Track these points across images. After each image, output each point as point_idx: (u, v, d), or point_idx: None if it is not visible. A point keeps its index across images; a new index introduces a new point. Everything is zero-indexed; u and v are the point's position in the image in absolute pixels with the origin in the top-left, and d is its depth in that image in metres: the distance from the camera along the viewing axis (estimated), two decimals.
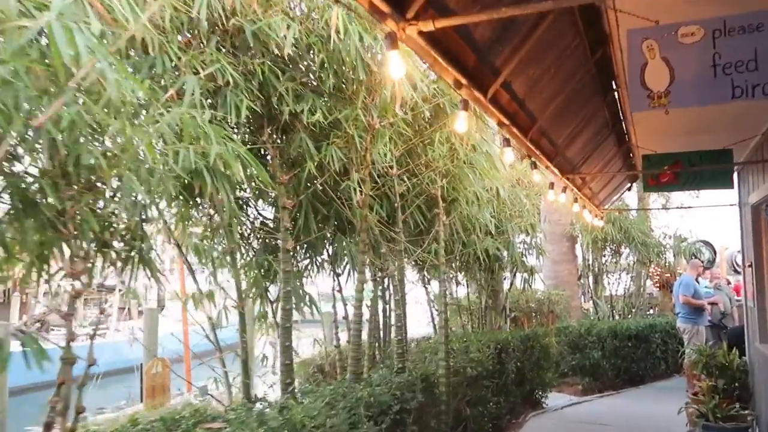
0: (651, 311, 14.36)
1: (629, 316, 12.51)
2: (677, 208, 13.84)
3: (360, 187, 4.28)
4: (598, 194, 7.71)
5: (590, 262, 13.68)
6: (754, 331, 6.59)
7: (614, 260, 12.26)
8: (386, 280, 5.56)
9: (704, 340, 9.01)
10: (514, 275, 8.95)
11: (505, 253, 8.05)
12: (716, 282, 11.44)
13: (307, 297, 4.76)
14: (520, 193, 8.09)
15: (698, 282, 9.47)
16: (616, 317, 12.36)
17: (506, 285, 9.07)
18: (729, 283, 16.29)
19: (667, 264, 12.52)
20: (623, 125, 5.20)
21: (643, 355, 9.98)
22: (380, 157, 4.42)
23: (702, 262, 15.65)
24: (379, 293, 5.60)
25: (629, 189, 9.21)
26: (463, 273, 8.10)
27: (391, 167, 4.85)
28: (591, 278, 14.83)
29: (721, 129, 5.27)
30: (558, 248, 11.93)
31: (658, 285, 13.43)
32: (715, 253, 17.11)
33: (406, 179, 5.02)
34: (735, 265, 19.58)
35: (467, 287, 8.82)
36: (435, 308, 8.58)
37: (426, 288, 8.34)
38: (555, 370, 9.31)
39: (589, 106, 4.67)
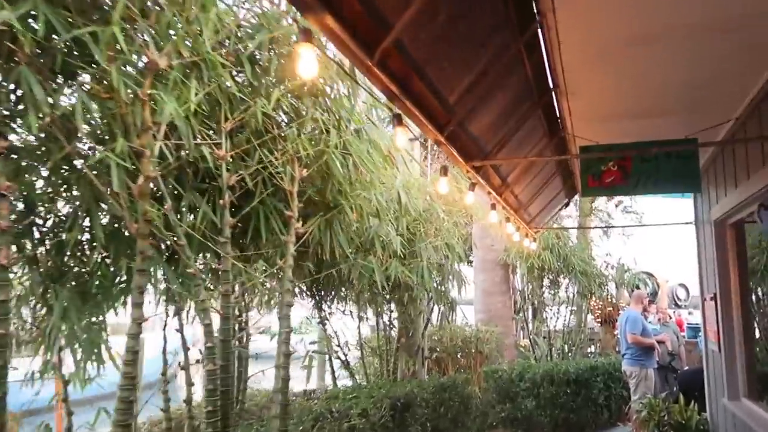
0: (591, 349, 13.09)
1: (569, 354, 11.13)
2: (621, 227, 12.67)
3: (134, 163, 2.62)
4: (528, 208, 6.27)
5: (527, 293, 12.35)
6: (719, 383, 5.21)
7: (552, 292, 10.90)
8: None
9: (653, 385, 7.65)
10: (431, 309, 7.39)
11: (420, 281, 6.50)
12: (662, 317, 10.25)
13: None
14: (437, 206, 6.57)
15: (645, 317, 8.15)
16: (555, 356, 10.94)
17: (423, 321, 7.48)
18: (670, 318, 15.35)
19: (609, 297, 11.26)
20: (554, 101, 3.74)
21: (584, 403, 8.52)
22: (180, 117, 2.77)
23: (647, 294, 14.63)
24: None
25: (566, 205, 7.90)
26: (360, 304, 6.47)
27: (216, 143, 3.20)
28: (530, 312, 13.47)
29: (682, 111, 3.90)
30: (490, 277, 10.49)
31: (599, 320, 12.17)
32: (657, 285, 16.21)
33: (241, 164, 3.38)
34: (676, 299, 18.74)
35: (376, 323, 7.20)
36: (340, 352, 6.91)
37: (324, 324, 6.67)
38: (481, 425, 7.71)
39: (503, 63, 3.18)
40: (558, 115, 4.13)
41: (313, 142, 3.71)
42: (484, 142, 3.72)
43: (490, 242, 10.51)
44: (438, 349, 8.59)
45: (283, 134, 3.47)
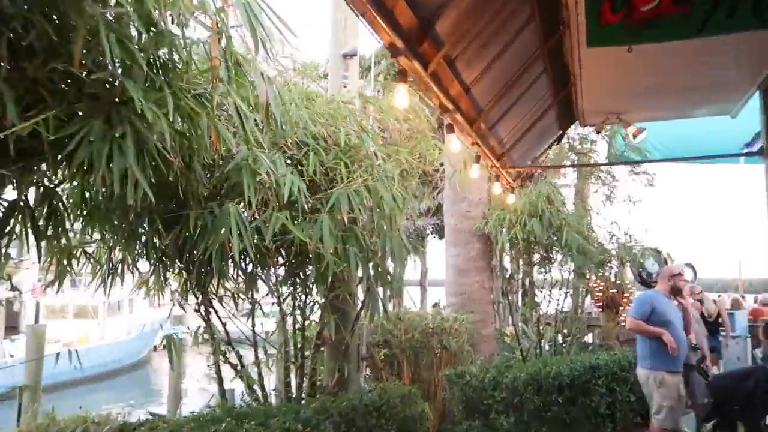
0: (590, 338, 11.07)
1: (563, 346, 9.09)
2: (633, 163, 9.98)
3: None
4: (504, 143, 4.15)
5: (514, 272, 10.28)
6: None
7: (543, 270, 8.80)
8: None
9: (676, 394, 5.46)
10: (370, 292, 5.26)
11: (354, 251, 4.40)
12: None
13: None
14: (368, 139, 4.44)
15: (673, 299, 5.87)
16: (546, 349, 8.90)
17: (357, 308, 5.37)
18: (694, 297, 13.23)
19: (613, 276, 9.18)
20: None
21: (581, 415, 6.48)
22: None
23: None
24: None
25: (559, 140, 5.73)
26: (246, 282, 4.36)
27: None
28: (518, 295, 11.40)
29: None
30: (465, 252, 8.39)
31: (600, 304, 10.13)
32: (665, 263, 14.10)
33: None
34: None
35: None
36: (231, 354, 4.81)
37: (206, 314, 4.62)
38: None
39: None
40: None
41: None
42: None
43: (465, 207, 8.40)
44: (391, 346, 6.52)
45: None
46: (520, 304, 9.65)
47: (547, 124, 4.42)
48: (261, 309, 4.71)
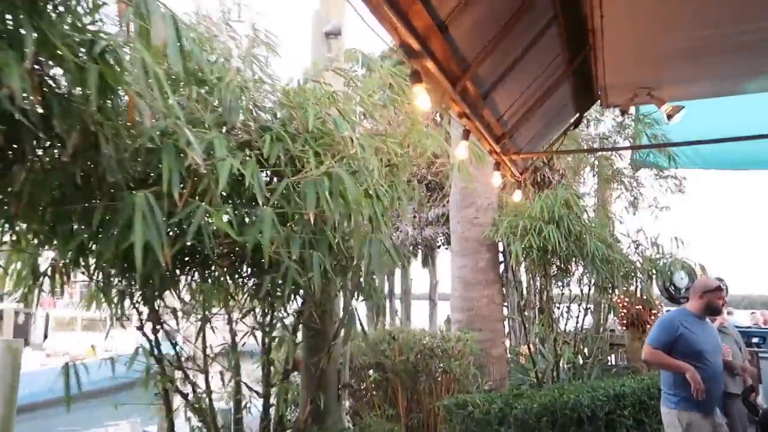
0: (612, 360, 10.08)
1: (583, 369, 8.15)
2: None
3: None
4: (505, 121, 3.33)
5: (527, 284, 9.39)
6: None
7: (561, 284, 7.89)
8: None
9: None
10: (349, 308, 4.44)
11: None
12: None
13: None
14: (344, 123, 3.67)
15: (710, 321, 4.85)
16: (563, 371, 7.97)
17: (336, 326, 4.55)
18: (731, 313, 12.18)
19: (638, 291, 8.24)
20: None
21: None
22: None
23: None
24: None
25: (576, 125, 4.83)
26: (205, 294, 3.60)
27: None
28: (534, 311, 10.48)
29: None
30: (472, 263, 7.54)
31: (624, 322, 9.17)
32: (693, 278, 13.01)
33: None
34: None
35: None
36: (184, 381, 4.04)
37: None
38: None
39: None
40: None
41: None
42: None
43: (472, 213, 7.57)
44: (384, 369, 5.68)
45: None
46: (536, 321, 8.75)
47: (559, 103, 3.60)
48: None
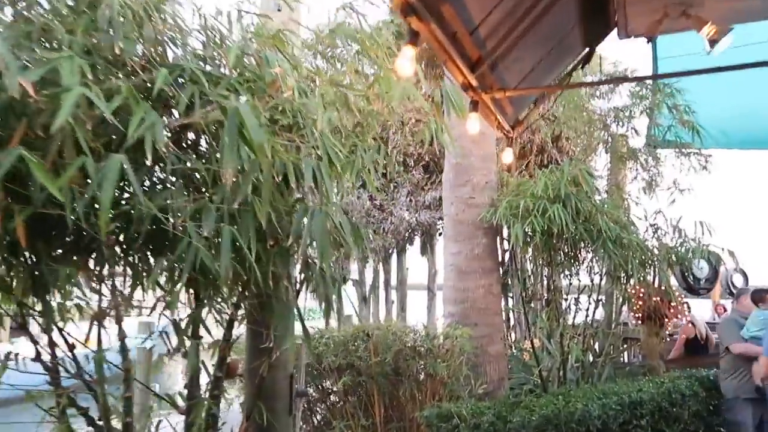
0: (625, 357, 9.19)
1: (593, 368, 7.26)
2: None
3: None
4: (482, 41, 2.42)
5: (533, 273, 8.54)
6: None
7: (568, 272, 6.97)
8: None
9: None
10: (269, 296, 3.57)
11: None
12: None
13: None
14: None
15: None
16: (571, 369, 7.09)
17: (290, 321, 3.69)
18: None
19: (657, 280, 7.31)
20: None
21: None
22: None
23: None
24: None
25: (587, 61, 3.85)
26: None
27: None
28: (541, 302, 9.60)
29: None
30: (467, 249, 6.65)
31: (640, 315, 8.24)
32: (717, 268, 11.98)
33: None
34: (731, 287, 14.26)
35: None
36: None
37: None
38: None
39: None
40: None
41: None
42: None
43: (467, 192, 6.67)
44: (359, 371, 4.83)
45: None
46: (542, 314, 7.88)
47: (561, 28, 2.72)
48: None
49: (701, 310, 12.40)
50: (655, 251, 7.20)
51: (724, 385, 5.71)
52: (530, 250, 6.72)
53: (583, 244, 6.29)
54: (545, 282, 8.28)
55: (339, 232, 2.95)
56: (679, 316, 8.63)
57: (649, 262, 6.76)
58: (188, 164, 2.74)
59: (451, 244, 6.81)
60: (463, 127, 6.97)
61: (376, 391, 4.75)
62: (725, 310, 16.86)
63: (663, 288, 7.80)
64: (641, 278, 6.80)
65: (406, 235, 11.26)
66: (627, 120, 8.24)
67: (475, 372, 5.99)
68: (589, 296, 7.29)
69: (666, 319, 8.45)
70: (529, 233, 6.04)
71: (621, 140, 8.71)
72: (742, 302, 5.86)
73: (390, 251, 11.90)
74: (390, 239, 10.96)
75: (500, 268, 7.29)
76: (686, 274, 10.05)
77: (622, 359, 8.88)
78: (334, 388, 4.83)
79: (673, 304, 8.41)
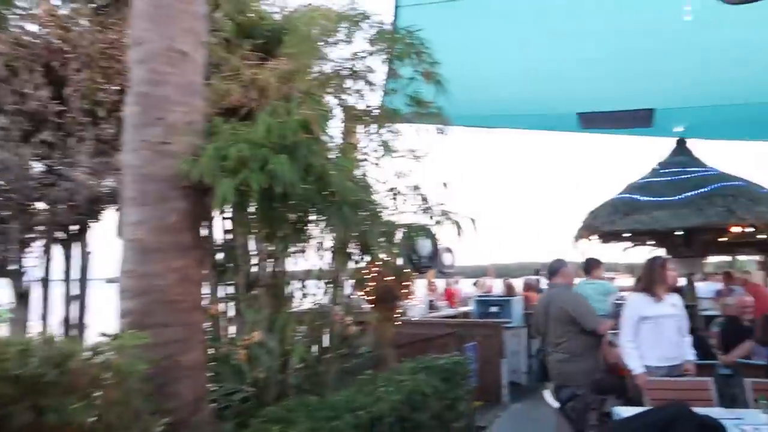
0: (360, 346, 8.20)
1: (321, 368, 5.91)
2: None
3: None
4: None
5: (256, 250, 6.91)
6: None
7: (296, 247, 5.47)
8: None
9: None
10: None
11: None
12: None
13: None
14: None
15: None
16: (293, 373, 5.60)
17: None
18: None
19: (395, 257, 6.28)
20: None
21: None
22: None
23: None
24: None
25: None
26: None
27: None
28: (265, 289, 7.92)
29: None
30: (156, 216, 4.57)
31: (371, 298, 7.27)
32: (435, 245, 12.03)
33: None
34: (440, 266, 14.84)
35: None
36: None
37: None
38: None
39: None
40: None
41: None
42: None
43: (159, 135, 4.63)
44: None
45: None
46: (259, 302, 6.25)
47: None
48: None
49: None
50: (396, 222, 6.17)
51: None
52: (241, 216, 4.99)
53: (315, 210, 4.81)
54: (267, 261, 6.70)
55: None
56: (410, 297, 8.03)
57: (392, 236, 5.64)
58: None
59: (133, 211, 4.65)
60: (156, 43, 4.91)
61: None
62: (436, 289, 17.55)
63: (397, 266, 6.92)
64: (379, 254, 5.66)
65: (90, 208, 8.47)
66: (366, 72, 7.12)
67: (161, 394, 4.06)
68: (319, 277, 5.93)
69: (397, 302, 7.69)
70: (242, 192, 4.30)
71: (356, 95, 7.57)
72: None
73: (68, 230, 8.92)
74: (65, 212, 8.10)
75: (207, 245, 5.40)
76: (411, 251, 9.58)
77: (356, 350, 7.84)
78: None
79: (405, 284, 7.69)
